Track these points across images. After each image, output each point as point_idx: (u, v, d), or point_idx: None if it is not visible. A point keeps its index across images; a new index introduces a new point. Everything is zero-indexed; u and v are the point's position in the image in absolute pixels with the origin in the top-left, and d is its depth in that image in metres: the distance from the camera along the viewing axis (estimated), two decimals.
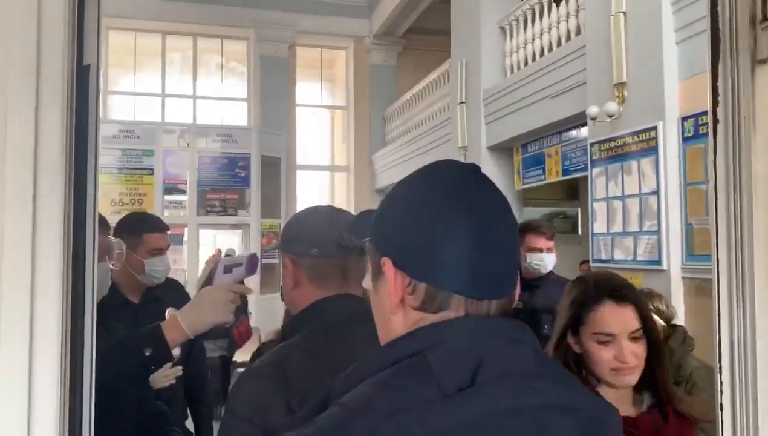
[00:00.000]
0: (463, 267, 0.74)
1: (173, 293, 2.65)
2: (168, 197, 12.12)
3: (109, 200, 11.63)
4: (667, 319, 2.34)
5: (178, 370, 2.28)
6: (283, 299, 1.30)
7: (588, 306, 1.59)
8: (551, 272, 3.21)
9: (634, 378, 1.55)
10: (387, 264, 0.77)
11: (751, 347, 0.93)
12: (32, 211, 0.74)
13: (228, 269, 1.57)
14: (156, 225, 2.56)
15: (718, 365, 1.00)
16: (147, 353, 1.43)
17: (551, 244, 3.09)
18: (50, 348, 0.79)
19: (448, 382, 0.66)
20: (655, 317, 2.23)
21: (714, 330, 1.01)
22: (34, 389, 0.75)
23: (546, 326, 2.94)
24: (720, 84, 0.98)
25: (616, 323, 1.54)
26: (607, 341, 1.53)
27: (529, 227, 3.21)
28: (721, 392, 0.97)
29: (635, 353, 1.53)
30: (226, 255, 1.69)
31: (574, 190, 9.09)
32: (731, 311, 0.96)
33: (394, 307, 0.76)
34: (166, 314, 2.53)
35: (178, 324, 1.47)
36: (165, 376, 2.21)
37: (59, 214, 0.75)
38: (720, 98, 0.99)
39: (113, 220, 9.30)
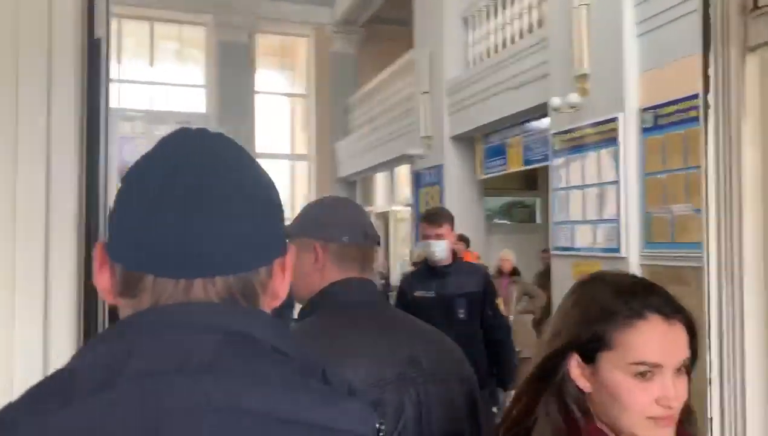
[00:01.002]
0: (148, 245, 0.61)
1: None
2: None
3: None
4: None
5: None
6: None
7: (620, 322, 1.05)
8: (458, 258, 3.32)
9: (671, 431, 1.04)
10: (97, 248, 0.66)
11: (739, 327, 0.98)
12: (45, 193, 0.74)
13: None
14: None
15: (708, 342, 1.06)
16: None
17: (442, 231, 3.08)
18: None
19: (71, 390, 0.55)
20: None
21: (705, 311, 1.06)
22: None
23: (461, 311, 3.03)
24: (711, 71, 1.03)
25: (666, 350, 1.03)
26: (648, 375, 1.02)
27: (422, 217, 3.32)
28: (711, 369, 1.03)
29: (680, 394, 1.03)
30: None
31: (533, 180, 9.26)
32: (720, 288, 1.02)
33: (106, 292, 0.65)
34: None
35: None
36: None
37: (73, 191, 0.74)
38: (711, 85, 1.03)
39: None
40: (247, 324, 0.61)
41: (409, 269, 6.89)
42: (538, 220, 9.38)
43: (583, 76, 5.63)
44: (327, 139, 13.83)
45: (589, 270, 4.66)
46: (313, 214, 1.37)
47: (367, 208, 12.60)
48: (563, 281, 5.92)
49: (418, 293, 3.17)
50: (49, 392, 0.56)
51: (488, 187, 8.69)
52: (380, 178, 12.12)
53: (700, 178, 4.51)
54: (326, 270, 1.27)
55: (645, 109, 5.20)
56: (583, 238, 5.68)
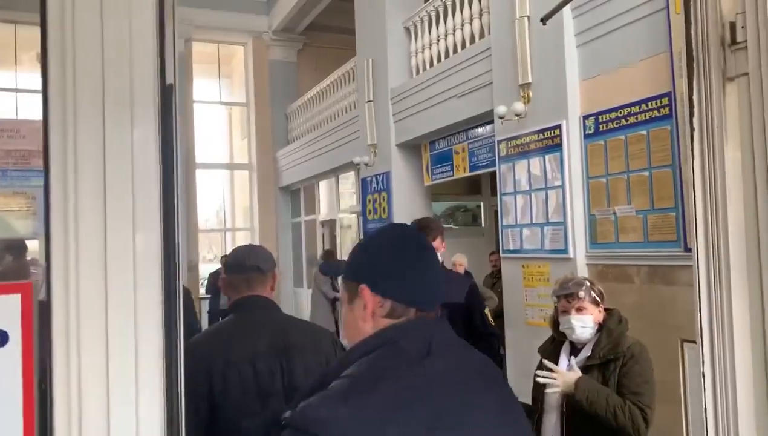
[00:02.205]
0: (417, 290, 1.14)
1: None
2: None
3: None
4: (605, 303, 2.58)
5: None
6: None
7: None
8: (444, 267, 3.25)
9: None
10: (365, 289, 1.14)
11: (728, 324, 1.10)
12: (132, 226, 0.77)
13: None
14: None
15: (700, 340, 1.17)
16: None
17: (435, 244, 3.07)
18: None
19: (414, 355, 1.04)
20: (600, 301, 2.46)
21: (696, 309, 1.18)
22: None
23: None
24: (695, 97, 1.15)
25: None
26: None
27: (418, 227, 3.23)
28: (703, 363, 1.14)
29: None
30: None
31: (476, 185, 9.50)
32: (710, 293, 1.13)
33: (368, 317, 1.14)
34: None
35: None
36: None
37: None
38: (695, 110, 1.15)
39: None
40: (447, 324, 1.19)
41: None
42: (483, 223, 9.62)
43: (527, 85, 5.85)
44: (268, 148, 13.73)
45: (539, 271, 4.86)
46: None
47: (311, 217, 12.58)
48: (514, 282, 6.12)
49: None
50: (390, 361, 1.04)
51: (434, 193, 8.85)
52: (324, 186, 12.14)
53: (637, 181, 4.75)
54: (232, 292, 2.18)
55: (586, 116, 5.45)
56: (531, 240, 5.90)
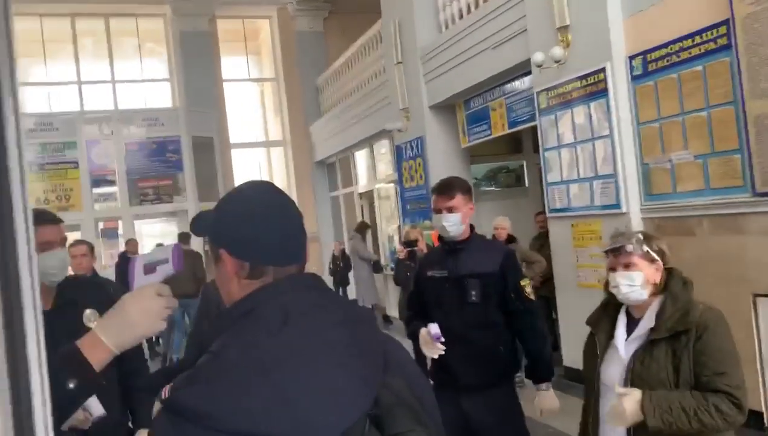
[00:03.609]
0: (271, 247, 1.12)
1: (93, 293, 2.29)
2: (97, 190, 11.44)
3: (34, 199, 10.87)
4: (668, 261, 2.18)
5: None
6: None
7: None
8: (475, 233, 2.90)
9: None
10: (224, 253, 1.13)
11: None
12: None
13: (150, 268, 1.28)
14: (40, 217, 2.18)
15: None
16: (71, 386, 1.11)
17: (453, 203, 2.74)
18: None
19: (271, 325, 1.01)
20: (658, 259, 2.08)
21: None
22: None
23: (473, 293, 2.70)
24: None
25: None
26: None
27: (433, 189, 2.89)
28: None
29: None
30: (123, 253, 1.35)
31: (517, 143, 9.02)
32: None
33: (232, 279, 1.13)
34: (85, 318, 2.10)
35: (100, 341, 1.17)
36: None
37: None
38: None
39: None
40: (312, 281, 1.17)
41: (398, 248, 6.64)
42: (527, 183, 9.16)
43: (565, 28, 5.36)
44: (301, 122, 13.47)
45: (589, 230, 4.40)
46: None
47: (349, 189, 12.31)
48: (563, 242, 5.72)
49: (430, 273, 2.85)
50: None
51: (471, 155, 8.43)
52: (360, 157, 11.81)
53: (694, 123, 4.27)
54: None
55: (633, 56, 4.96)
56: (579, 197, 5.46)
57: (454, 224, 2.75)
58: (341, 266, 10.63)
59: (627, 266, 2.05)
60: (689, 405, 1.88)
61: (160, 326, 1.21)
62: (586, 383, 2.26)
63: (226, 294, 1.16)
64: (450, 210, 2.74)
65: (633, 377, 2.01)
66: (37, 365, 0.60)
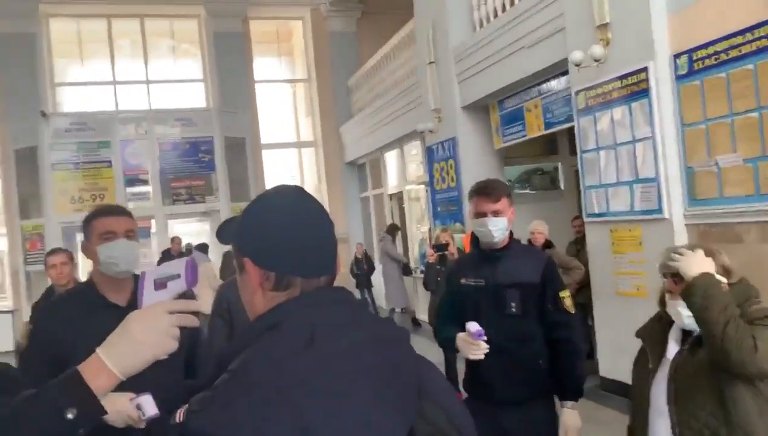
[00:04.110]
0: (299, 257, 1.03)
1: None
2: (130, 189, 11.54)
3: (69, 198, 11.01)
4: (732, 277, 1.98)
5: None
6: None
7: None
8: (515, 239, 2.73)
9: None
10: (248, 262, 1.06)
11: None
12: None
13: (161, 284, 1.16)
14: (106, 209, 2.22)
15: None
16: (70, 416, 1.00)
17: (498, 206, 2.56)
18: None
19: (296, 343, 0.93)
20: (724, 280, 1.90)
21: None
22: None
23: (513, 304, 2.54)
24: None
25: None
26: None
27: (473, 191, 2.68)
28: None
29: None
30: (182, 252, 1.27)
31: (553, 144, 8.80)
32: None
33: (257, 290, 1.05)
34: None
35: (105, 366, 1.05)
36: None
37: None
38: None
39: (76, 218, 8.64)
40: (340, 295, 1.10)
41: (428, 251, 6.49)
42: (562, 186, 8.93)
43: (605, 26, 5.16)
44: (332, 123, 13.41)
45: (629, 236, 4.19)
46: None
47: (379, 190, 12.20)
48: (601, 248, 5.51)
49: (464, 281, 2.68)
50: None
51: (505, 157, 8.24)
52: (390, 158, 11.70)
53: (743, 125, 4.03)
54: None
55: (678, 55, 4.74)
56: (619, 201, 5.25)
57: (500, 228, 2.58)
58: (365, 268, 10.54)
59: None
60: (733, 312, 1.74)
61: (171, 347, 1.10)
62: (633, 400, 2.09)
63: (250, 307, 1.08)
64: (496, 214, 2.56)
65: (676, 386, 1.86)
66: None
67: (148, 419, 1.62)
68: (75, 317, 2.03)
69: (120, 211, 2.21)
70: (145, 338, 1.07)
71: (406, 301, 10.12)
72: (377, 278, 10.78)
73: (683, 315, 1.88)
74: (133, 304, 2.14)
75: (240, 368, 0.94)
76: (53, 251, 4.36)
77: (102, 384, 1.05)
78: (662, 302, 2.03)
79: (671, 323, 2.01)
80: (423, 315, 9.40)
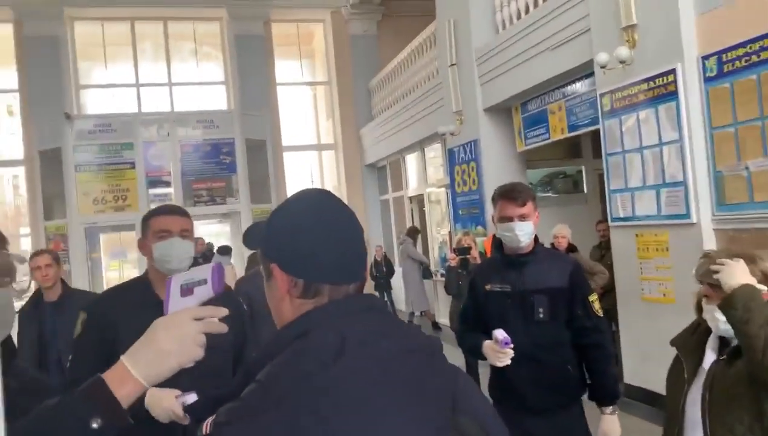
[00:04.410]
0: (328, 264, 1.01)
1: (219, 297, 2.22)
2: (152, 191, 11.61)
3: (92, 200, 11.13)
4: None
5: None
6: None
7: None
8: (540, 244, 2.67)
9: None
10: (275, 268, 1.03)
11: None
12: None
13: (187, 290, 1.14)
14: (164, 209, 2.32)
15: None
16: (95, 426, 0.98)
17: (524, 210, 2.51)
18: None
19: (326, 354, 0.91)
20: (765, 287, 1.84)
21: None
22: None
23: (541, 309, 2.49)
24: None
25: None
26: None
27: (499, 194, 2.61)
28: None
29: None
30: (204, 253, 1.25)
31: (576, 148, 8.70)
32: None
33: (284, 297, 1.03)
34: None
35: (129, 374, 1.03)
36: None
37: None
38: None
39: (99, 219, 8.69)
40: (371, 302, 1.07)
41: (449, 255, 6.44)
42: (585, 189, 8.82)
43: (632, 27, 5.08)
44: (352, 125, 13.41)
45: (655, 240, 4.09)
46: None
47: (399, 193, 12.16)
48: (626, 253, 5.42)
49: (489, 287, 2.62)
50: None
51: (527, 159, 8.16)
52: (411, 160, 11.66)
53: None
54: None
55: (706, 57, 4.65)
56: (645, 205, 5.16)
57: (527, 233, 2.53)
58: (384, 271, 10.51)
59: None
60: None
61: (198, 354, 1.07)
62: (667, 411, 2.02)
63: (277, 314, 1.06)
64: (522, 218, 2.51)
65: (711, 396, 1.80)
66: None
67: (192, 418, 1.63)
68: (126, 310, 2.08)
69: (176, 211, 2.28)
70: (170, 346, 1.05)
71: (426, 304, 10.07)
72: (397, 281, 10.73)
73: (720, 321, 1.83)
74: None
75: (268, 378, 0.92)
76: (37, 253, 4.25)
77: (127, 393, 1.02)
78: (699, 309, 1.97)
79: (708, 331, 1.94)
80: (443, 319, 9.34)
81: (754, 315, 1.67)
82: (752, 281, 1.78)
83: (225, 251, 9.89)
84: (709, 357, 1.89)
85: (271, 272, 1.04)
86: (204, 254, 10.02)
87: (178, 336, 1.05)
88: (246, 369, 1.00)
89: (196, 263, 2.27)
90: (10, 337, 1.62)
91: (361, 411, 0.88)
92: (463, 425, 0.97)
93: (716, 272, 1.79)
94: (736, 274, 1.77)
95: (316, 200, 1.08)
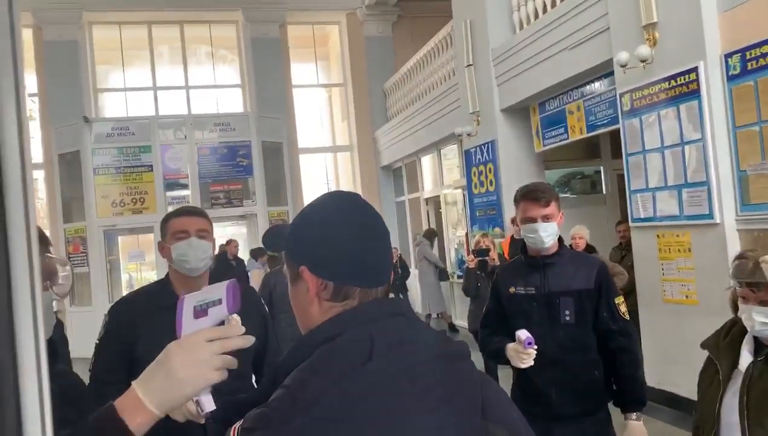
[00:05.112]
0: (358, 267, 1.01)
1: (245, 298, 2.25)
2: (170, 193, 11.69)
3: (110, 202, 11.22)
4: None
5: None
6: None
7: None
8: (564, 245, 2.62)
9: None
10: (305, 271, 1.02)
11: None
12: None
13: (201, 311, 1.06)
14: (181, 210, 2.32)
15: None
16: None
17: (548, 211, 2.47)
18: None
19: (354, 359, 0.91)
20: None
21: None
22: None
23: (567, 312, 2.44)
24: None
25: None
26: None
27: (521, 195, 2.57)
28: None
29: None
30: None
31: (594, 148, 8.63)
32: None
33: (313, 300, 1.02)
34: (226, 321, 2.20)
35: (141, 403, 0.98)
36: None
37: None
38: None
39: (117, 222, 8.72)
40: (398, 308, 1.07)
41: (467, 257, 6.39)
42: (604, 190, 8.74)
43: (653, 25, 5.02)
44: (368, 127, 13.40)
45: (677, 241, 4.02)
46: None
47: (415, 195, 12.13)
48: (647, 254, 5.36)
49: (513, 290, 2.58)
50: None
51: (545, 160, 8.10)
52: (426, 162, 11.62)
53: None
54: None
55: (729, 54, 4.58)
56: (666, 206, 5.09)
57: (552, 234, 2.49)
58: (399, 273, 10.49)
59: (766, 303, 1.77)
60: None
61: (214, 378, 1.01)
62: (701, 415, 1.96)
63: (304, 318, 1.04)
64: (546, 219, 2.47)
65: (749, 397, 1.75)
66: (33, 367, 0.46)
67: (205, 414, 1.63)
68: (147, 312, 2.09)
69: (194, 212, 2.29)
70: (183, 373, 0.99)
71: (443, 306, 10.03)
72: (412, 283, 10.70)
73: (757, 322, 1.78)
74: None
75: (296, 384, 0.91)
76: None
77: (139, 422, 0.97)
78: (735, 309, 1.92)
79: (742, 333, 1.90)
80: (459, 321, 9.29)
81: None
82: None
83: (257, 253, 9.89)
84: (746, 359, 1.84)
85: (299, 275, 1.02)
86: (236, 258, 10.08)
87: (192, 362, 0.99)
88: (273, 374, 1.00)
89: (220, 268, 2.27)
90: (52, 339, 1.62)
91: (390, 416, 0.88)
92: (491, 431, 0.96)
93: (766, 272, 1.73)
94: None
95: (345, 203, 1.07)
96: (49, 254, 1.36)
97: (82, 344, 4.94)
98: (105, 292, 10.82)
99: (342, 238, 1.02)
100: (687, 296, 4.99)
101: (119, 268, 11.63)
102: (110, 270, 11.21)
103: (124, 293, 7.56)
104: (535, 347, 2.32)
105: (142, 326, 2.05)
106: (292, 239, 1.06)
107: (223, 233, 12.34)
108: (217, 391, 1.91)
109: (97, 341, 2.19)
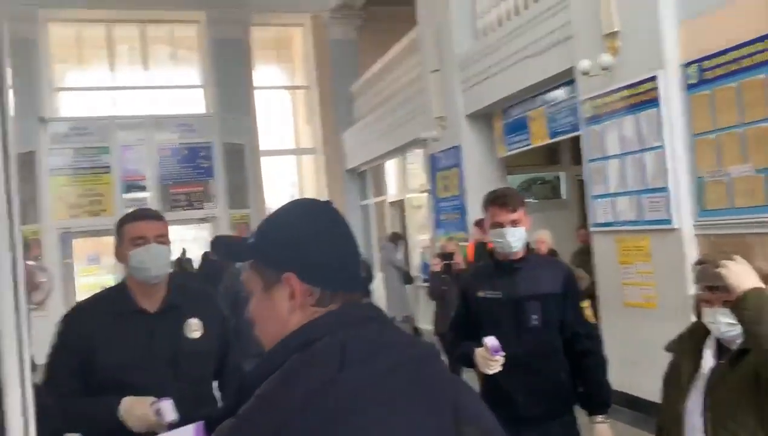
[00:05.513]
0: (342, 272, 1.03)
1: (200, 303, 2.24)
2: (128, 195, 11.43)
3: (67, 204, 10.92)
4: None
5: None
6: None
7: None
8: (532, 250, 2.65)
9: None
10: (291, 277, 1.01)
11: None
12: None
13: None
14: (138, 214, 2.22)
15: None
16: None
17: (516, 216, 2.50)
18: None
19: (328, 370, 0.89)
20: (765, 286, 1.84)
21: None
22: None
23: (534, 316, 2.47)
24: None
25: None
26: None
27: (490, 200, 2.59)
28: None
29: None
30: (180, 264, 1.20)
31: (554, 154, 8.76)
32: None
33: (296, 308, 1.01)
34: (187, 327, 2.10)
35: None
36: None
37: None
38: None
39: (73, 224, 8.53)
40: (372, 313, 1.07)
41: (433, 260, 6.41)
42: (564, 195, 8.88)
43: (614, 34, 5.13)
44: (333, 130, 13.35)
45: (636, 246, 4.13)
46: None
47: (380, 198, 12.15)
48: (607, 258, 5.46)
49: (481, 294, 2.59)
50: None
51: (507, 165, 8.19)
52: (391, 166, 11.65)
53: (755, 135, 3.97)
54: None
55: (687, 64, 4.71)
56: (626, 211, 5.20)
57: (519, 239, 2.52)
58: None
59: (728, 304, 1.81)
60: None
61: None
62: (665, 417, 1.99)
63: (277, 327, 1.01)
64: (514, 224, 2.50)
65: (712, 399, 1.79)
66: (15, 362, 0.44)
67: (167, 424, 1.61)
68: (103, 320, 2.01)
69: (151, 216, 2.20)
70: None
71: (407, 309, 10.04)
72: (377, 287, 10.69)
73: (721, 324, 1.83)
74: (164, 310, 2.16)
75: (268, 394, 0.90)
76: None
77: None
78: (698, 312, 1.96)
79: (705, 336, 1.94)
80: (423, 324, 9.32)
81: (764, 315, 1.67)
82: (757, 280, 1.78)
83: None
84: (708, 361, 1.89)
85: (279, 282, 1.00)
86: (179, 261, 9.86)
87: None
88: (241, 383, 0.99)
89: (176, 270, 2.23)
90: None
91: (366, 424, 0.87)
92: (466, 433, 0.95)
93: (725, 275, 1.78)
94: (744, 275, 1.76)
95: (322, 210, 1.08)
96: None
97: (36, 351, 4.78)
98: (60, 296, 10.52)
99: (328, 244, 1.03)
100: (647, 300, 5.10)
101: (75, 272, 11.32)
102: (65, 274, 10.90)
103: (79, 297, 7.36)
104: (503, 353, 2.33)
105: (99, 335, 1.95)
106: (270, 246, 1.04)
107: (183, 236, 12.13)
108: (180, 396, 1.87)
109: (51, 351, 2.08)
